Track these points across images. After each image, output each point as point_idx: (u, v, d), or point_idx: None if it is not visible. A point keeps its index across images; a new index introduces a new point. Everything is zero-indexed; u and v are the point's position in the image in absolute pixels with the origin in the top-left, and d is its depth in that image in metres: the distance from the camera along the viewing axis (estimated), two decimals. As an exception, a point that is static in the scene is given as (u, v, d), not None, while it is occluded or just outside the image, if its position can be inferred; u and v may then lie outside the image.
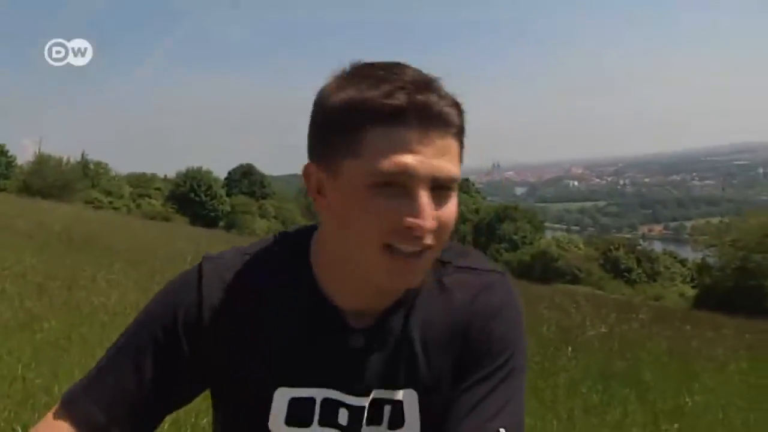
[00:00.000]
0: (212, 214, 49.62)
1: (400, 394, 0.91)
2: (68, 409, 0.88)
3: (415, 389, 0.91)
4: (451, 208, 0.82)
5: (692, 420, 4.81)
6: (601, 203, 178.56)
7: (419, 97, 0.77)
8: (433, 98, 0.78)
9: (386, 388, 0.91)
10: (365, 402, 0.90)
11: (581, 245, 53.75)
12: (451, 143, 0.80)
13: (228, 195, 53.37)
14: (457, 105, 0.81)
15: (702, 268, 36.64)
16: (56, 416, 0.88)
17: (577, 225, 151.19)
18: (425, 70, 0.81)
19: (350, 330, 0.90)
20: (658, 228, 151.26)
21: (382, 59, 0.84)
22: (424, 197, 0.78)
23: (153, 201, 48.82)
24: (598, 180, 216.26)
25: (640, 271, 51.07)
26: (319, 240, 0.92)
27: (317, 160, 0.84)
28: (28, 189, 32.96)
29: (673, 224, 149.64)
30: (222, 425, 0.97)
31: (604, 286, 44.09)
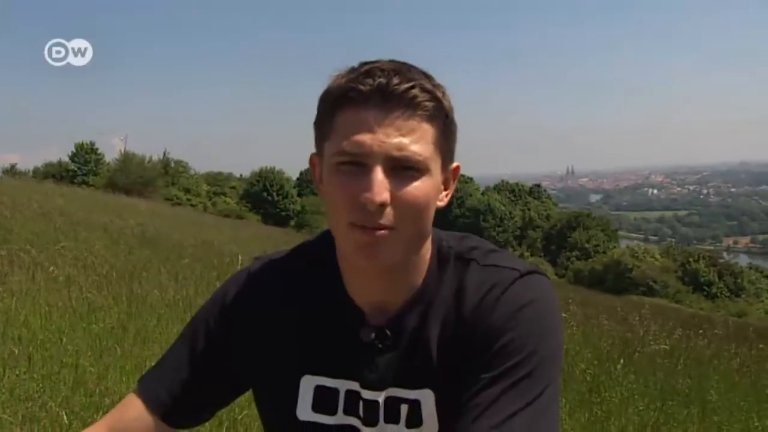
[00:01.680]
0: (283, 213, 50.70)
1: (415, 394, 0.92)
2: (140, 389, 1.01)
3: (432, 390, 0.92)
4: (414, 189, 0.84)
5: (760, 445, 4.50)
6: (682, 213, 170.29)
7: (382, 80, 0.83)
8: (396, 81, 0.82)
9: (401, 386, 0.93)
10: (379, 398, 0.93)
11: (658, 256, 51.38)
12: (419, 126, 0.84)
13: (299, 195, 54.11)
14: (431, 92, 0.84)
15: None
16: (131, 394, 1.02)
17: (655, 235, 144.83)
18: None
19: (364, 325, 0.94)
20: (744, 241, 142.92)
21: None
22: (377, 173, 0.82)
23: (228, 199, 50.48)
24: (679, 189, 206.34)
25: (721, 285, 48.41)
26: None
27: (316, 150, 0.93)
28: (113, 185, 34.63)
29: (761, 237, 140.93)
30: (261, 418, 1.04)
31: (682, 300, 42.19)
